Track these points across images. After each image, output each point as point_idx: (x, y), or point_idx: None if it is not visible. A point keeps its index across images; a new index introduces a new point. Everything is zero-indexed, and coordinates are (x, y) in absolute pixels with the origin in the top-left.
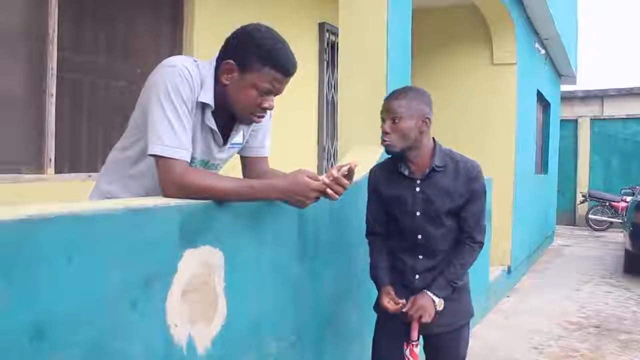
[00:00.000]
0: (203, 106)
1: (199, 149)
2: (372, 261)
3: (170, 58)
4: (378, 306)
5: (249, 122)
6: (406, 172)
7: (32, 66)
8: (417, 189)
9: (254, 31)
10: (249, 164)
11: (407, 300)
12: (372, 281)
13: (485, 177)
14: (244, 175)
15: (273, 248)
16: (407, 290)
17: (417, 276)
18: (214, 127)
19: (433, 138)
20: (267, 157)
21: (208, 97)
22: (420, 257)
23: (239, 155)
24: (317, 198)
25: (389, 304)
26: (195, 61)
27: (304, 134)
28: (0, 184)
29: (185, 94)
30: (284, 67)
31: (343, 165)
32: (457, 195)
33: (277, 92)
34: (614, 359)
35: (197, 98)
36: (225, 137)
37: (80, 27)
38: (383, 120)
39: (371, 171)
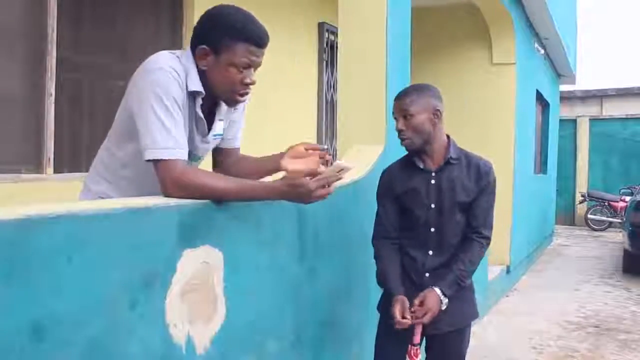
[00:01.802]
0: (194, 96)
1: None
2: (382, 267)
3: (153, 58)
4: (382, 306)
5: (234, 103)
6: (421, 166)
7: (31, 66)
8: (432, 181)
9: (218, 10)
10: (220, 155)
11: (414, 297)
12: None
13: None
14: (215, 165)
15: (272, 248)
16: (416, 287)
17: (427, 274)
18: (202, 115)
19: (447, 134)
20: (238, 148)
21: (196, 85)
22: (431, 252)
23: None
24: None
25: (399, 312)
26: (175, 54)
27: (304, 133)
28: None
29: (176, 93)
30: (255, 37)
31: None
32: (469, 189)
33: (255, 65)
34: (613, 358)
35: (188, 89)
36: (209, 127)
37: (80, 27)
38: (396, 120)
39: (384, 171)
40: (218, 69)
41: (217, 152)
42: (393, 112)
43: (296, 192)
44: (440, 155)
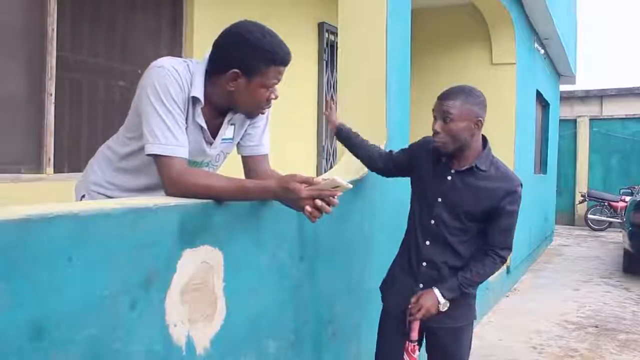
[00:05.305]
0: (194, 103)
1: (191, 148)
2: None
3: (159, 59)
4: (383, 287)
5: (257, 116)
6: (444, 159)
7: (31, 66)
8: (449, 177)
9: (247, 33)
10: (248, 163)
11: (411, 295)
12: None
13: None
14: (245, 174)
15: (272, 248)
16: (414, 275)
17: (424, 263)
18: (203, 124)
19: (485, 140)
20: (266, 155)
21: (198, 92)
22: (427, 242)
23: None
24: (315, 207)
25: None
26: (185, 61)
27: (304, 133)
28: None
29: (175, 93)
30: (284, 59)
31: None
32: (486, 202)
33: (279, 81)
34: (613, 358)
35: (190, 94)
36: (214, 133)
37: (80, 27)
38: (435, 118)
39: (422, 139)
40: (249, 90)
41: (244, 163)
42: (433, 109)
43: (287, 196)
44: (467, 161)
